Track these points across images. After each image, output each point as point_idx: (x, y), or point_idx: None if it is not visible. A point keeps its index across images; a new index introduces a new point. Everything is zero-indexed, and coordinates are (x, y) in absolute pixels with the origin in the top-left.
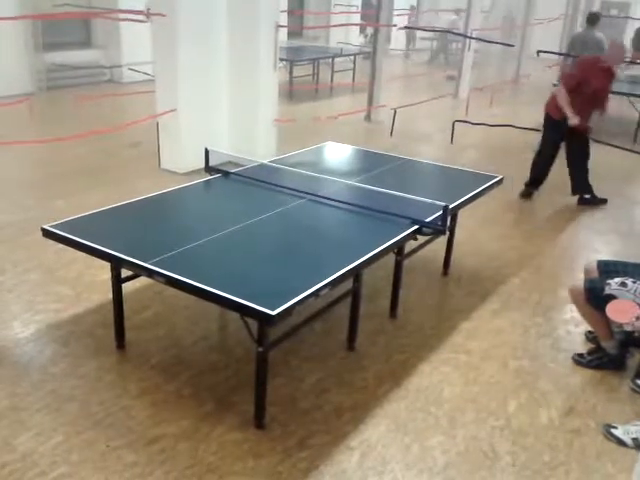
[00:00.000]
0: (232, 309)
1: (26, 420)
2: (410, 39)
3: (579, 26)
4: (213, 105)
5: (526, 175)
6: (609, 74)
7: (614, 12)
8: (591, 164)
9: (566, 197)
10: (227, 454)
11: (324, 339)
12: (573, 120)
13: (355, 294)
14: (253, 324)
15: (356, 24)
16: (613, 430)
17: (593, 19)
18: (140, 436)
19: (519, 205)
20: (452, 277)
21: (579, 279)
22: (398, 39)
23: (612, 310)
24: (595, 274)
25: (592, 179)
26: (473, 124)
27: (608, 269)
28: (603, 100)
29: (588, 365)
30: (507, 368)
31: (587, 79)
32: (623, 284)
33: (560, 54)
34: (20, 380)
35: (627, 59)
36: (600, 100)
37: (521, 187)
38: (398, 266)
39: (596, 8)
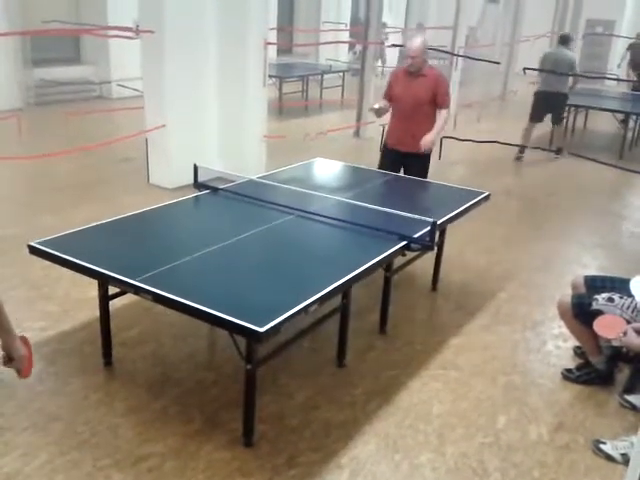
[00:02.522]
0: (220, 326)
1: (11, 440)
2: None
3: (555, 45)
4: (202, 121)
5: (512, 190)
6: (411, 79)
7: (599, 30)
8: (576, 180)
9: (551, 212)
10: (215, 472)
11: (313, 356)
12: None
13: (344, 310)
14: (242, 341)
15: (345, 42)
16: (602, 446)
17: (565, 39)
18: (127, 455)
19: (506, 221)
20: (441, 292)
21: (567, 294)
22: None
23: (600, 325)
24: (582, 289)
25: (580, 194)
26: (460, 140)
27: (595, 284)
28: (419, 108)
29: (577, 380)
30: (496, 384)
31: (392, 85)
32: (610, 299)
33: (546, 71)
34: (6, 399)
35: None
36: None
37: (507, 202)
38: (387, 282)
39: (581, 26)
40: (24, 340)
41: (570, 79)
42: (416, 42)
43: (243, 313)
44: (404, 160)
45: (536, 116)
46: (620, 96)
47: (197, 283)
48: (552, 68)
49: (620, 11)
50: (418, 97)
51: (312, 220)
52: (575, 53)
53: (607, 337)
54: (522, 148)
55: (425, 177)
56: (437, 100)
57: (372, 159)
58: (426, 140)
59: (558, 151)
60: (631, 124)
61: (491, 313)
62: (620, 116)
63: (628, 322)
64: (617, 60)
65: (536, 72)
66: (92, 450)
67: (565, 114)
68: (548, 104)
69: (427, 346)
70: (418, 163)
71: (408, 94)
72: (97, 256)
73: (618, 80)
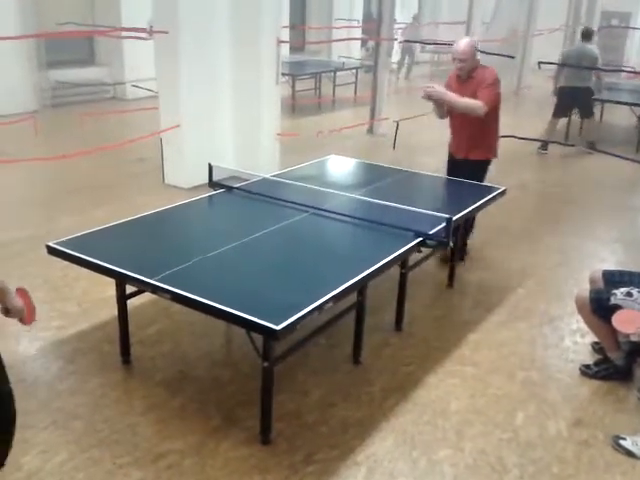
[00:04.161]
0: (237, 324)
1: (32, 438)
2: (406, 53)
3: (577, 39)
4: (216, 120)
5: (529, 185)
6: (461, 83)
7: (615, 22)
8: (593, 174)
9: (569, 207)
10: (233, 470)
11: (329, 353)
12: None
13: (360, 307)
14: (258, 339)
15: (357, 38)
16: (622, 441)
17: (588, 34)
18: (146, 453)
19: (523, 216)
20: (457, 289)
21: (584, 289)
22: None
23: (618, 320)
24: (600, 284)
25: (598, 188)
26: None
27: (613, 279)
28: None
29: (595, 376)
30: (514, 380)
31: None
32: (629, 294)
33: (562, 65)
34: (26, 398)
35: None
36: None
37: (524, 197)
38: (402, 278)
39: (596, 18)
40: (21, 292)
41: (593, 75)
42: (462, 43)
43: (259, 311)
44: (460, 167)
45: (560, 111)
46: (637, 88)
47: (214, 282)
48: (577, 62)
49: (636, 3)
50: None
51: (327, 218)
52: (596, 47)
53: (626, 332)
54: (545, 144)
55: None
56: (477, 94)
57: (386, 155)
58: (432, 86)
59: (591, 145)
60: None
61: (509, 309)
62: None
63: None
64: (634, 52)
65: (552, 66)
66: (112, 448)
67: (595, 108)
68: (573, 99)
69: (444, 342)
70: (470, 171)
71: None
72: (115, 256)
73: (635, 73)
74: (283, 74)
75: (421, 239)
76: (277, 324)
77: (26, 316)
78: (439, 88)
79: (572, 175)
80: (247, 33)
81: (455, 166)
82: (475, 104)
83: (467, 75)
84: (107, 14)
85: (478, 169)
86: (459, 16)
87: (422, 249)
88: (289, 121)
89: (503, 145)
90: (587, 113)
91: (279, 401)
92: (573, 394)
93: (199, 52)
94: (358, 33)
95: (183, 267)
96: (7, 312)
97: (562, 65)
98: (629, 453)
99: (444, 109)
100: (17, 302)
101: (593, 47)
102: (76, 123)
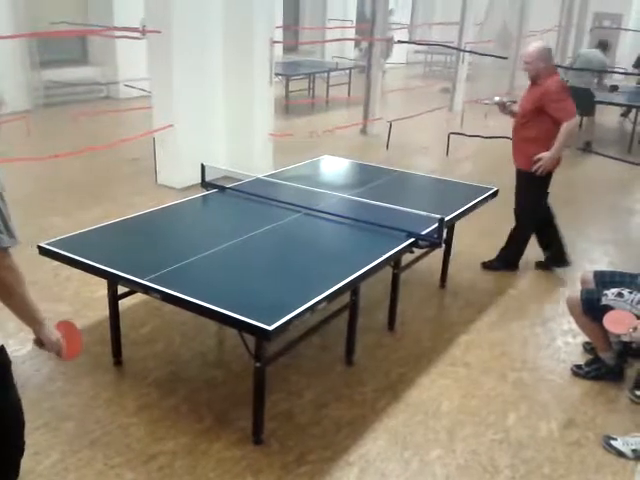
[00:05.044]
0: (229, 324)
1: None
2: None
3: (573, 37)
4: (209, 120)
5: None
6: (529, 88)
7: (606, 23)
8: (586, 175)
9: (561, 208)
10: (226, 471)
11: (322, 353)
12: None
13: (352, 308)
14: (250, 339)
15: (351, 39)
16: (612, 442)
17: (603, 45)
18: (138, 454)
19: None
20: (449, 289)
21: (576, 290)
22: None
23: (609, 321)
24: (592, 285)
25: (590, 189)
26: (468, 136)
27: (604, 279)
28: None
29: (586, 376)
30: (506, 380)
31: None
32: (620, 294)
33: (563, 66)
34: None
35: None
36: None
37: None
38: (395, 279)
39: (589, 20)
40: (63, 325)
41: (595, 78)
42: (531, 47)
43: (252, 311)
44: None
45: None
46: (628, 89)
47: (206, 282)
48: (585, 66)
49: (627, 4)
50: (522, 108)
51: (320, 218)
52: (607, 58)
53: (617, 332)
54: None
55: (523, 204)
56: (550, 114)
57: (379, 156)
58: (538, 157)
59: (587, 145)
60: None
61: (500, 310)
62: (621, 109)
63: (638, 317)
64: (625, 53)
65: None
66: (103, 449)
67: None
68: (574, 98)
69: (436, 343)
70: (520, 181)
71: (520, 105)
72: (106, 256)
73: (626, 74)
74: (276, 74)
75: (413, 239)
76: (269, 324)
77: (64, 351)
78: (545, 159)
79: (564, 176)
80: (240, 33)
81: (516, 174)
82: (566, 132)
83: (534, 80)
84: (100, 14)
85: (529, 181)
86: (452, 17)
87: (414, 249)
88: (282, 121)
89: (495, 146)
90: (588, 111)
91: (271, 402)
92: (564, 394)
93: (192, 52)
94: (352, 33)
95: (175, 267)
96: (41, 344)
97: (564, 67)
98: (620, 453)
99: (510, 113)
100: (52, 335)
101: (602, 55)
102: (69, 123)
